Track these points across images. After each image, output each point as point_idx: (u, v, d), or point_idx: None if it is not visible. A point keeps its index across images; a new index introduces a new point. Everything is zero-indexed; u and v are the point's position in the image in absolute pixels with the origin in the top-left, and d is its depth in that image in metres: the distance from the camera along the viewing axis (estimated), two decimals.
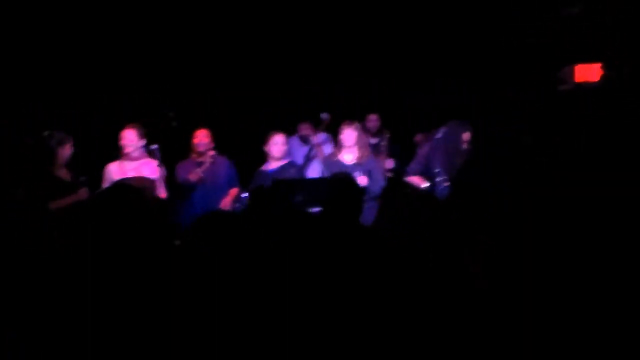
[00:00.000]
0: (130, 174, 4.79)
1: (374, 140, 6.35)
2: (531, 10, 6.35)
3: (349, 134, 5.12)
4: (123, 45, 6.94)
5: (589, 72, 5.91)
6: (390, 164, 6.08)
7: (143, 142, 4.90)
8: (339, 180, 3.43)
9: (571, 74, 5.97)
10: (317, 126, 6.03)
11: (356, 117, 5.55)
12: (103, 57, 6.89)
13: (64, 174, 4.63)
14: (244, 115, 7.47)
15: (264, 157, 5.32)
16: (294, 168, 5.24)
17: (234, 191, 5.30)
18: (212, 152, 5.32)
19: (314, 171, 5.47)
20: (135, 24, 6.89)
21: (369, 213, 4.83)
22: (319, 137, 6.00)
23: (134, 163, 4.90)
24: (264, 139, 5.29)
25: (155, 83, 7.14)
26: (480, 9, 6.76)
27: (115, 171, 4.86)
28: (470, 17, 6.84)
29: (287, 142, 5.37)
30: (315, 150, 5.78)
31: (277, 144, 5.18)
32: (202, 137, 5.33)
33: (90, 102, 6.83)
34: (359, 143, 5.14)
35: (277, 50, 7.42)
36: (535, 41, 6.32)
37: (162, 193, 4.85)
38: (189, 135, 5.46)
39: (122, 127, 4.99)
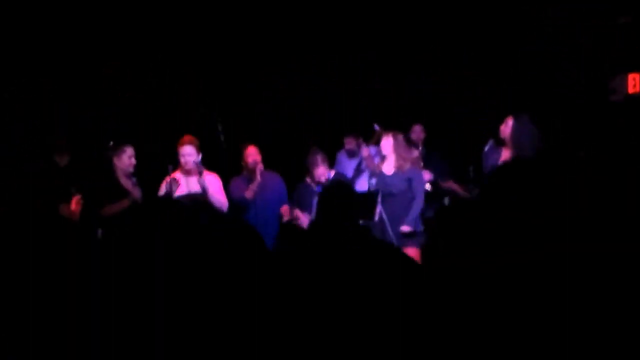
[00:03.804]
0: (195, 188, 4.94)
1: (416, 152, 6.25)
2: (585, 19, 6.23)
3: (385, 143, 5.33)
4: (171, 57, 7.04)
5: None
6: (426, 175, 5.94)
7: (199, 156, 5.02)
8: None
9: (624, 84, 5.79)
10: (369, 139, 6.13)
11: (402, 128, 5.79)
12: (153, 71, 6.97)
13: (125, 181, 4.89)
14: (289, 128, 7.57)
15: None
16: None
17: (285, 208, 5.45)
18: (261, 167, 5.39)
19: (362, 185, 5.71)
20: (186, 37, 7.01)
21: (407, 215, 5.12)
22: (370, 149, 5.97)
23: (194, 177, 5.01)
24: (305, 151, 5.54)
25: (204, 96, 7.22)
26: (533, 21, 6.67)
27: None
28: (522, 28, 6.72)
29: (336, 159, 5.74)
30: (365, 163, 5.92)
31: (321, 176, 5.40)
32: (254, 154, 5.43)
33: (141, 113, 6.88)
34: (397, 152, 5.27)
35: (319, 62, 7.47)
36: (587, 50, 6.17)
37: (222, 203, 5.02)
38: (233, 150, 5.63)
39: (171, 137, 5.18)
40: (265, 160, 5.88)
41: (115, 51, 6.78)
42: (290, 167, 6.24)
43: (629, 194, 2.14)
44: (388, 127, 5.54)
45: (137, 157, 5.18)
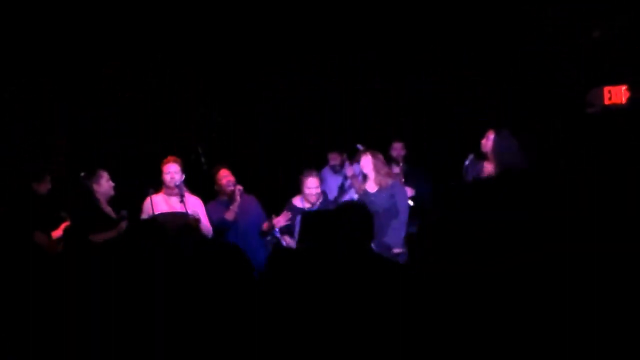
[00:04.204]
0: (178, 208, 4.83)
1: (396, 169, 6.29)
2: (560, 33, 6.26)
3: (363, 162, 5.39)
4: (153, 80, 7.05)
5: (616, 94, 5.77)
6: (408, 192, 5.91)
7: (183, 176, 4.94)
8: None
9: (600, 96, 5.85)
10: (352, 157, 6.10)
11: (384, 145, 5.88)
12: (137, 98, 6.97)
13: (109, 209, 4.83)
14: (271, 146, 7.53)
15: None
16: (330, 204, 5.41)
17: (266, 226, 5.38)
18: (240, 187, 5.28)
19: None
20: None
21: (394, 235, 5.13)
22: (354, 168, 5.93)
23: (177, 197, 4.90)
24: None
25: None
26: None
27: (160, 204, 4.87)
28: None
29: (320, 175, 5.55)
30: (349, 182, 5.89)
31: (311, 188, 5.31)
32: (228, 176, 5.31)
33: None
34: (376, 169, 5.34)
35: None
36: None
37: (208, 228, 4.97)
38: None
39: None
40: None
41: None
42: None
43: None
44: (372, 142, 5.64)
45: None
